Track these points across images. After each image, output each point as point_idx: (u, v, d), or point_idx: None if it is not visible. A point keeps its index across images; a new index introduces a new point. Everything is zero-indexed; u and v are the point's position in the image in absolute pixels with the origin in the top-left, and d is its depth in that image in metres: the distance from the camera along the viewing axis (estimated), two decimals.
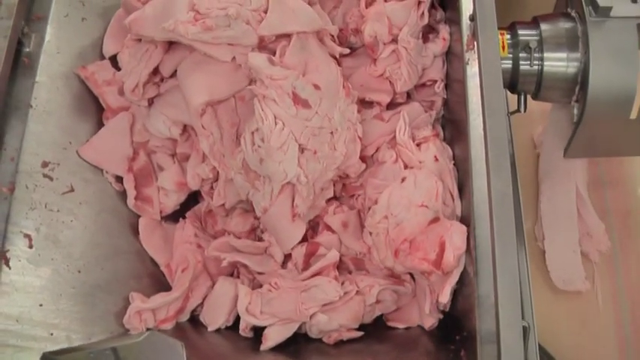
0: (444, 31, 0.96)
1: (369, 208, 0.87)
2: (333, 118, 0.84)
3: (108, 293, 0.84)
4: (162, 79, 0.91)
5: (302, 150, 0.82)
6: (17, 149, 0.80)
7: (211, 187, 0.93)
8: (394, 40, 0.94)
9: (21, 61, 0.84)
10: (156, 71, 0.89)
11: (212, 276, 0.93)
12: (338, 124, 0.85)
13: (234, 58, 0.85)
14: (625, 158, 1.26)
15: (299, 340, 0.86)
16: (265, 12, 0.82)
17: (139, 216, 0.93)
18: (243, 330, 0.87)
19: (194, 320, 0.91)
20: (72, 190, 0.85)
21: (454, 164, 0.90)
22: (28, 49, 0.85)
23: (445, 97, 0.97)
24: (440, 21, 0.99)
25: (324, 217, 0.91)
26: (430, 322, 0.86)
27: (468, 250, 0.78)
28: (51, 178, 0.83)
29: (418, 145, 0.89)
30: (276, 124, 0.80)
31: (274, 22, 0.82)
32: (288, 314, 0.84)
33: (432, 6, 0.99)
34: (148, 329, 0.85)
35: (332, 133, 0.85)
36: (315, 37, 0.86)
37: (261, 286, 0.89)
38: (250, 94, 0.86)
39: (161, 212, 0.95)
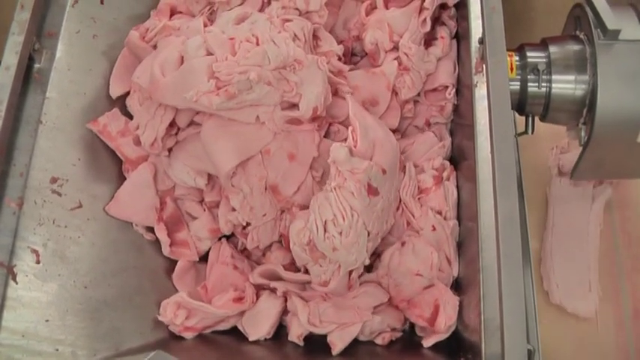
0: (442, 31, 0.96)
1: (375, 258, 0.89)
2: (390, 196, 0.84)
3: (114, 309, 0.83)
4: (179, 129, 0.89)
5: (368, 234, 0.81)
6: (26, 165, 0.80)
7: (244, 228, 0.91)
8: (395, 48, 0.94)
9: (32, 77, 0.84)
10: (172, 123, 0.87)
11: None
12: (393, 200, 0.85)
13: (257, 117, 0.84)
14: (633, 181, 1.26)
15: (349, 345, 0.86)
16: (285, 67, 0.81)
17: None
18: (298, 337, 0.87)
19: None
20: (80, 206, 0.85)
21: (457, 193, 0.91)
22: (38, 65, 0.85)
23: (456, 102, 0.97)
24: (452, 17, 0.99)
25: None
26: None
27: (460, 318, 0.81)
28: (59, 194, 0.83)
29: (419, 198, 0.90)
30: (352, 216, 0.78)
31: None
32: (348, 318, 0.85)
33: (443, 6, 0.98)
34: (170, 330, 0.86)
35: (388, 210, 0.85)
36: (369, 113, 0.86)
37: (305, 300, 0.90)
38: (275, 146, 0.86)
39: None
